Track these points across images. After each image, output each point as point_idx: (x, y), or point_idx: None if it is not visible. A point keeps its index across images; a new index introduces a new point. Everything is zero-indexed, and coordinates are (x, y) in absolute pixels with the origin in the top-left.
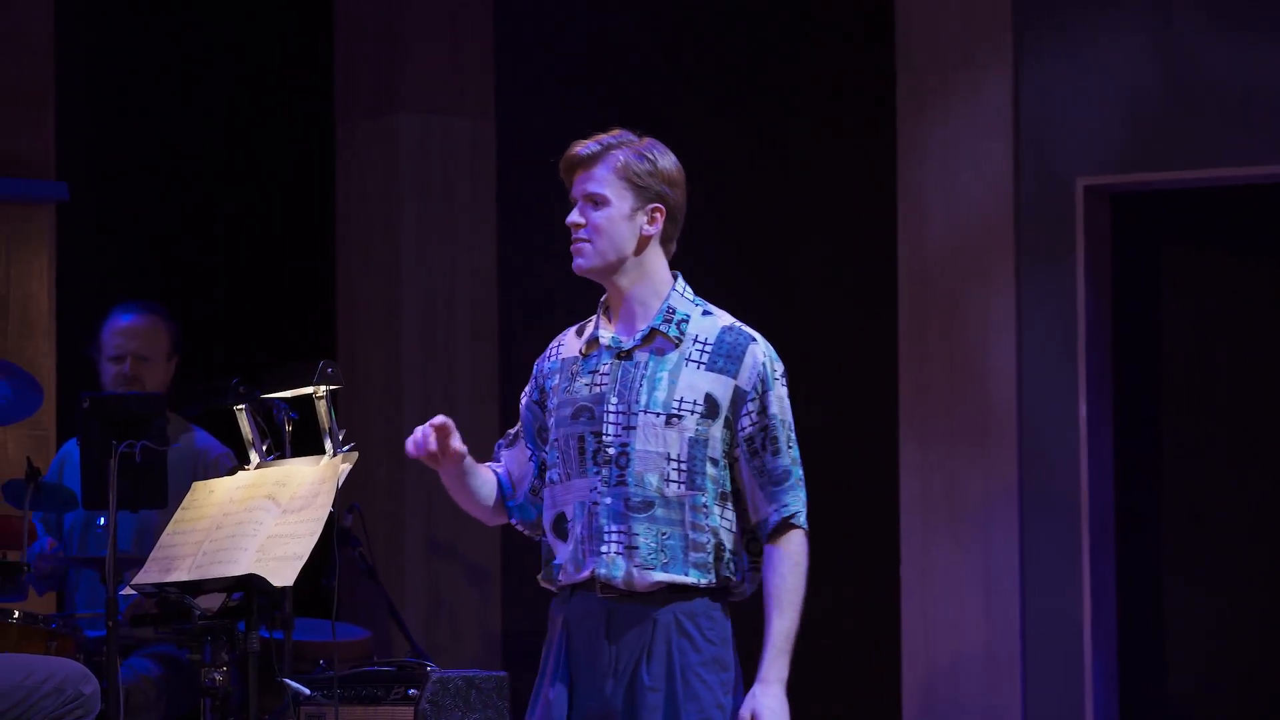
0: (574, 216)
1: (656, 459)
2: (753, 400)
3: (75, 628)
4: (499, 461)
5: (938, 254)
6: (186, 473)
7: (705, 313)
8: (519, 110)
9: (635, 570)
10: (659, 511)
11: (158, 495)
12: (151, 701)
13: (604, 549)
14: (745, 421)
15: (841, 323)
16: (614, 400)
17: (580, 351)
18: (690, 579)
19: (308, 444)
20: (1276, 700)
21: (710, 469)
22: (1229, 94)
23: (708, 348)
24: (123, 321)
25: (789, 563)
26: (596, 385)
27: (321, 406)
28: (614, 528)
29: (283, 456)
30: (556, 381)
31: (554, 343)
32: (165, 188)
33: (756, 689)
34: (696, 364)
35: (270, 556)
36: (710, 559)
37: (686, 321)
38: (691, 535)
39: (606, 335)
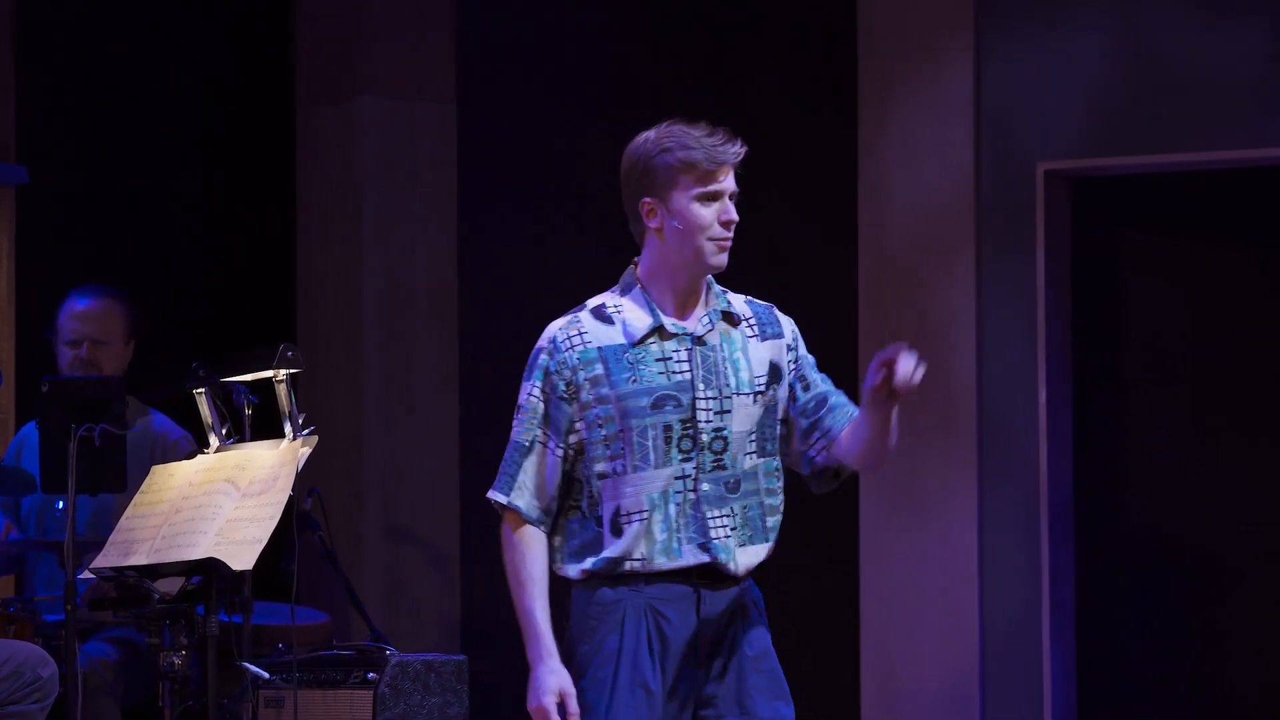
0: (734, 213)
1: (744, 438)
2: (792, 350)
3: (33, 611)
4: (523, 497)
5: (898, 239)
6: (144, 456)
7: (724, 291)
8: (481, 94)
9: (742, 551)
10: (746, 486)
11: (117, 479)
12: (109, 685)
13: (714, 534)
14: (791, 372)
15: (802, 307)
16: (701, 387)
17: (632, 339)
18: (762, 552)
19: (267, 428)
20: (1233, 682)
21: (776, 431)
22: (1190, 79)
23: (752, 320)
24: (80, 305)
25: None
26: (675, 373)
27: (281, 390)
28: (718, 511)
29: (242, 440)
30: (601, 371)
31: (563, 332)
32: (126, 171)
33: None
34: (756, 337)
35: (229, 540)
36: (779, 520)
37: (729, 302)
38: (767, 501)
39: (670, 322)
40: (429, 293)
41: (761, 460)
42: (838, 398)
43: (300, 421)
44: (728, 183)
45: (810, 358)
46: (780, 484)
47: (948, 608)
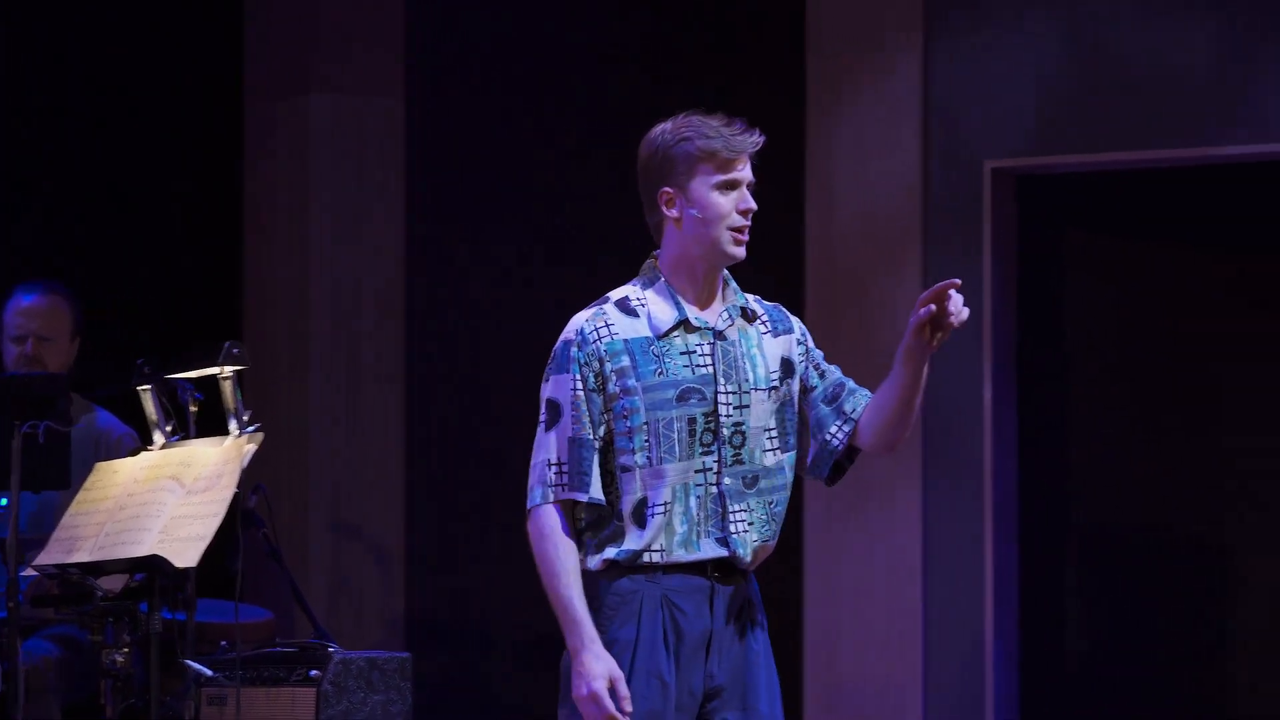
0: (752, 201)
1: (761, 434)
2: (801, 344)
3: None
4: (586, 495)
5: (846, 236)
6: (88, 453)
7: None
8: (430, 90)
9: (756, 546)
10: (763, 483)
11: (60, 476)
12: (52, 683)
13: (733, 528)
14: (803, 365)
15: None
16: (723, 381)
17: (658, 332)
18: (769, 548)
19: (212, 425)
20: (1175, 679)
21: (795, 425)
22: (1136, 78)
23: (765, 318)
24: (25, 301)
25: None
26: (700, 366)
27: (227, 387)
28: (738, 506)
29: (187, 437)
30: (627, 363)
31: (589, 324)
32: (71, 166)
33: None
34: (770, 333)
35: (173, 537)
36: (779, 526)
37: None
38: (775, 507)
39: (694, 316)
40: (376, 290)
41: (785, 455)
42: (853, 383)
43: (245, 419)
44: (745, 172)
45: (819, 351)
46: (787, 489)
47: (891, 604)
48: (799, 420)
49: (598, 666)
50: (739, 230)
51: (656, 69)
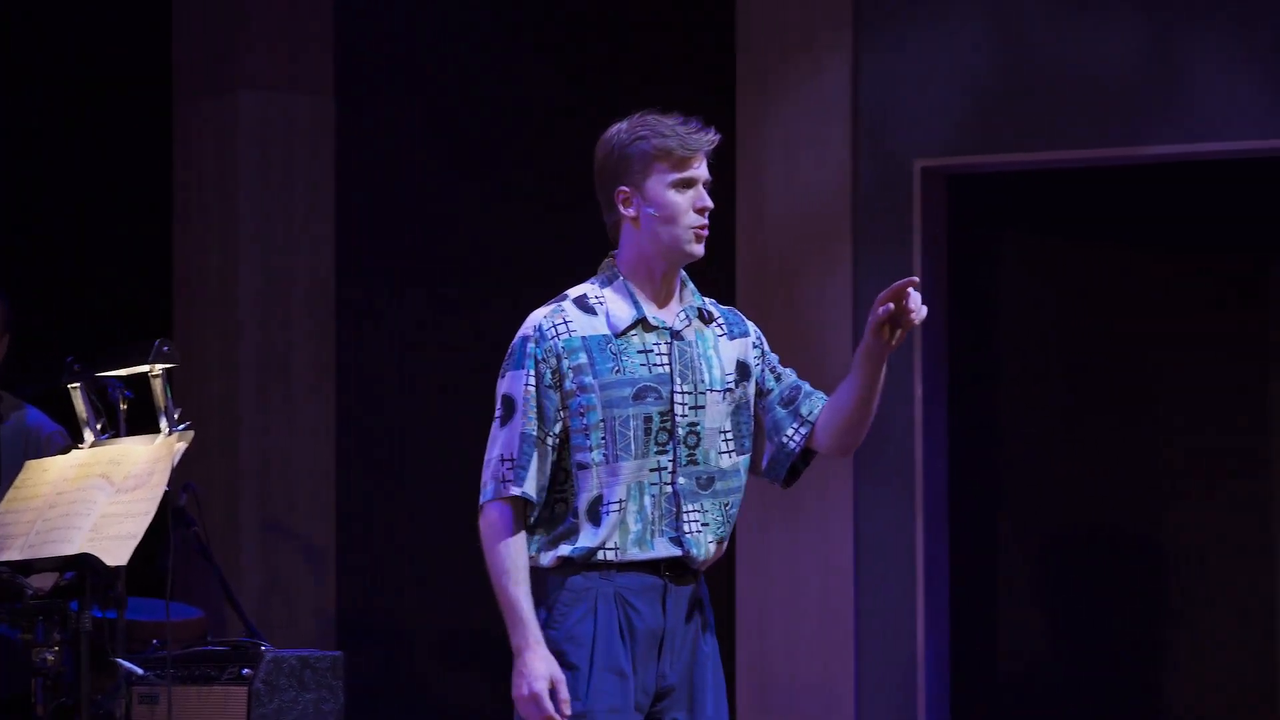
0: (709, 200)
1: (715, 435)
2: (757, 347)
3: None
4: (534, 486)
5: (776, 234)
6: (18, 451)
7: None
8: (359, 87)
9: (710, 546)
10: (719, 485)
11: None
12: None
13: (686, 528)
14: (758, 368)
15: None
16: (679, 381)
17: (616, 330)
18: (720, 551)
19: (143, 423)
20: (1104, 678)
21: (751, 429)
22: (1064, 78)
23: (721, 320)
24: None
25: None
26: (656, 365)
27: (157, 385)
28: (691, 506)
29: (117, 435)
30: (584, 360)
31: (547, 320)
32: (1, 165)
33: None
34: (725, 336)
35: (104, 536)
36: (730, 529)
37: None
38: (728, 510)
39: (652, 315)
40: (307, 288)
41: (740, 458)
42: (809, 386)
43: (176, 416)
44: (701, 170)
45: (775, 355)
46: (740, 494)
47: (823, 602)
48: (754, 423)
49: (540, 666)
50: (698, 229)
51: (585, 68)
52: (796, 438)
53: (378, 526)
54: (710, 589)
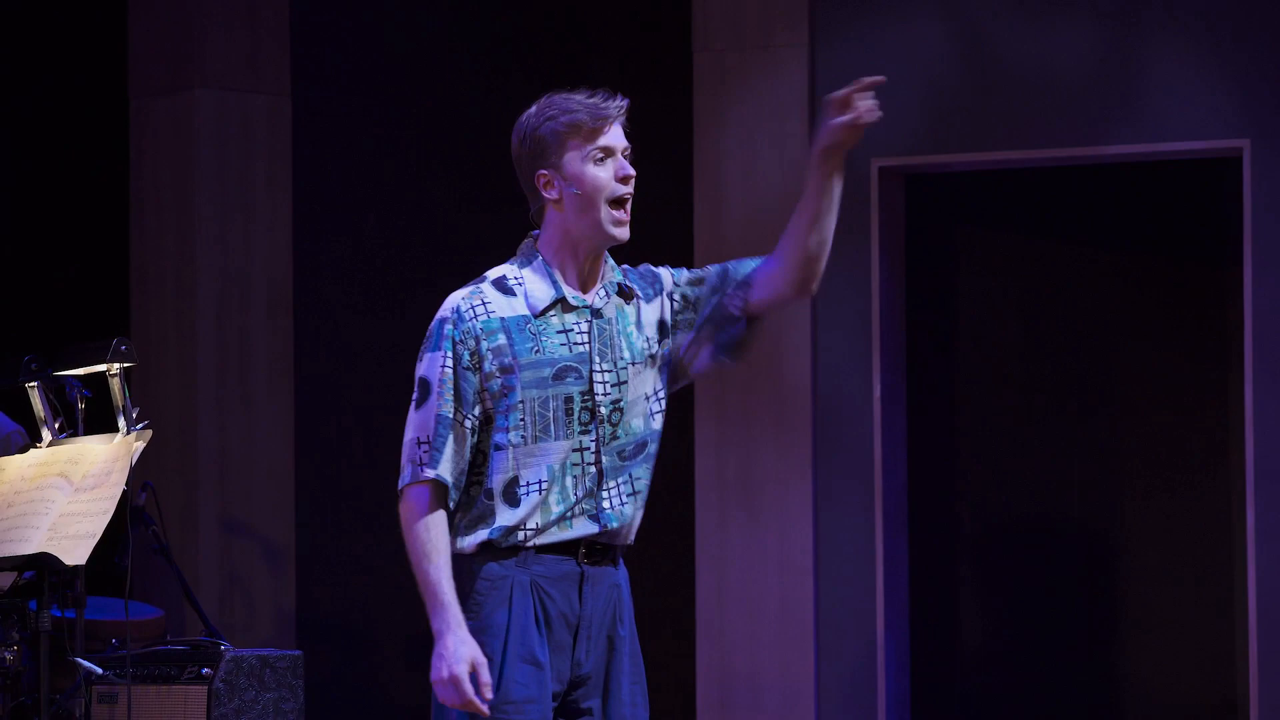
0: (630, 168)
1: (639, 402)
2: (677, 285)
3: None
4: (448, 469)
5: (734, 231)
6: None
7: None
8: (315, 86)
9: (629, 509)
10: (652, 448)
11: None
12: None
13: (605, 504)
14: (677, 293)
15: None
16: (598, 360)
17: (535, 311)
18: (642, 512)
19: (101, 422)
20: (1064, 677)
21: (668, 381)
22: (1022, 77)
23: (638, 291)
24: None
25: None
26: (576, 345)
27: (115, 384)
28: (614, 481)
29: (75, 434)
30: (503, 341)
31: (466, 302)
32: None
33: None
34: (644, 301)
35: (62, 535)
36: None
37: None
38: (653, 463)
39: (572, 295)
40: (264, 284)
41: (662, 412)
42: (734, 262)
43: (134, 415)
44: (616, 137)
45: (692, 270)
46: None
47: (783, 601)
48: (695, 333)
49: (462, 650)
50: (621, 202)
51: (543, 66)
52: (736, 301)
53: (336, 525)
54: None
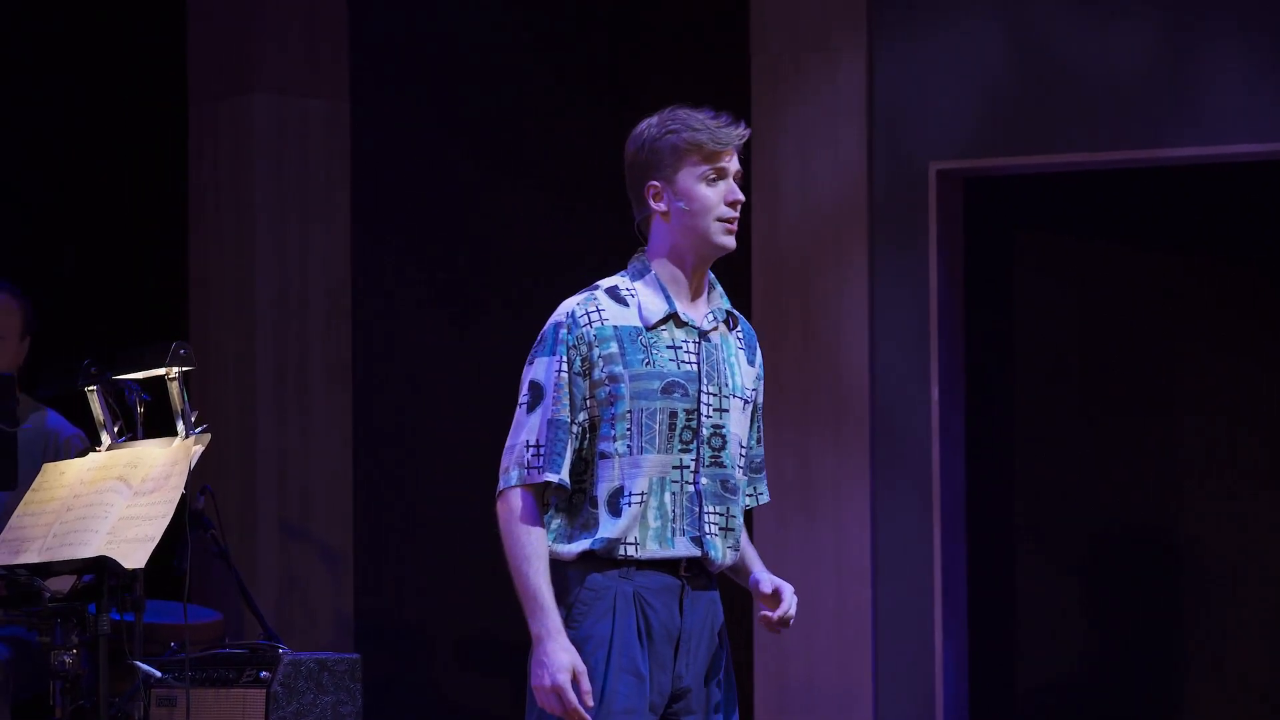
0: (740, 193)
1: (737, 443)
2: (756, 384)
3: None
4: (557, 476)
5: (791, 236)
6: (37, 454)
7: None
8: (374, 91)
9: (729, 552)
10: (740, 495)
11: (5, 476)
12: (1, 684)
13: (707, 530)
14: (752, 404)
15: None
16: (706, 381)
17: (647, 323)
18: (736, 558)
19: (160, 425)
20: (1124, 679)
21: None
22: (1080, 79)
23: (741, 334)
24: None
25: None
26: (685, 362)
27: (174, 388)
28: (712, 509)
29: (134, 438)
30: (615, 349)
31: (580, 308)
32: (16, 167)
33: (764, 573)
34: (743, 350)
35: (121, 539)
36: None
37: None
38: (741, 519)
39: (683, 311)
40: (322, 289)
41: (743, 477)
42: (763, 466)
43: (193, 419)
44: (732, 163)
45: (762, 406)
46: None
47: (841, 603)
48: None
49: (563, 657)
50: (728, 221)
51: (601, 70)
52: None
53: (394, 528)
54: (728, 592)
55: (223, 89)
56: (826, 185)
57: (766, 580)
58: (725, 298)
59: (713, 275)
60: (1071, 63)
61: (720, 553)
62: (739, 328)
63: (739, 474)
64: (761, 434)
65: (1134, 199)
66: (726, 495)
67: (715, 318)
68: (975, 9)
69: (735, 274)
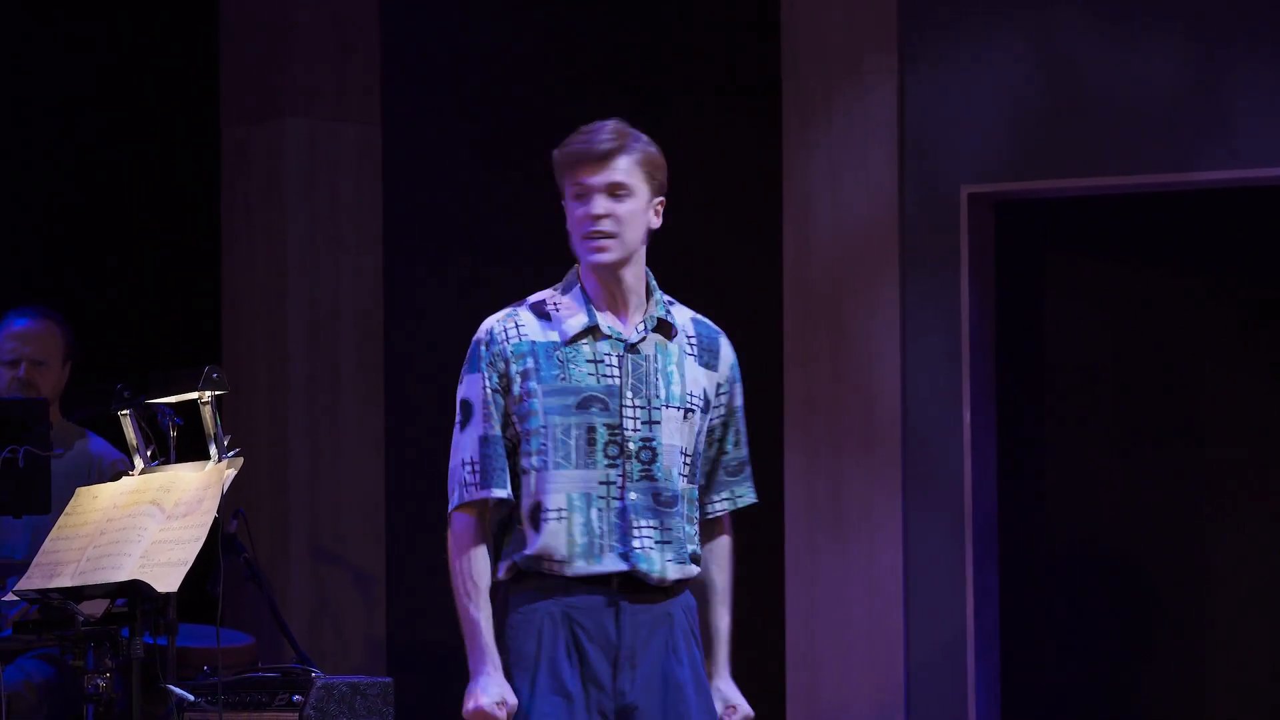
0: (597, 208)
1: (676, 453)
2: (723, 394)
3: None
4: (500, 492)
5: (823, 260)
6: (80, 479)
7: (670, 302)
8: (406, 116)
9: (669, 565)
10: (682, 506)
11: (41, 501)
12: (34, 708)
13: (636, 543)
14: (714, 414)
15: (726, 327)
16: (629, 395)
17: (565, 338)
18: (692, 569)
19: (192, 449)
20: (1154, 704)
21: (700, 461)
22: (1111, 103)
23: (692, 340)
24: (18, 326)
25: (730, 554)
26: (605, 376)
27: (206, 412)
28: (644, 522)
29: (167, 462)
30: (531, 365)
31: (500, 325)
32: (50, 191)
33: (723, 685)
34: (694, 358)
35: (154, 562)
36: (697, 549)
37: (669, 312)
38: (688, 529)
39: (605, 324)
40: (354, 314)
41: (691, 485)
42: (749, 475)
43: (225, 443)
44: (595, 178)
45: (740, 408)
46: (697, 515)
47: (872, 628)
48: (704, 460)
49: (494, 691)
50: (591, 238)
51: (633, 94)
52: (713, 507)
53: (427, 552)
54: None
55: (255, 113)
56: (858, 209)
57: (719, 698)
58: (661, 304)
59: (653, 282)
60: (1102, 86)
61: (657, 566)
62: (691, 335)
63: (680, 484)
64: (741, 436)
65: (1165, 222)
66: (661, 509)
67: (645, 327)
68: (1005, 33)
69: (767, 297)
